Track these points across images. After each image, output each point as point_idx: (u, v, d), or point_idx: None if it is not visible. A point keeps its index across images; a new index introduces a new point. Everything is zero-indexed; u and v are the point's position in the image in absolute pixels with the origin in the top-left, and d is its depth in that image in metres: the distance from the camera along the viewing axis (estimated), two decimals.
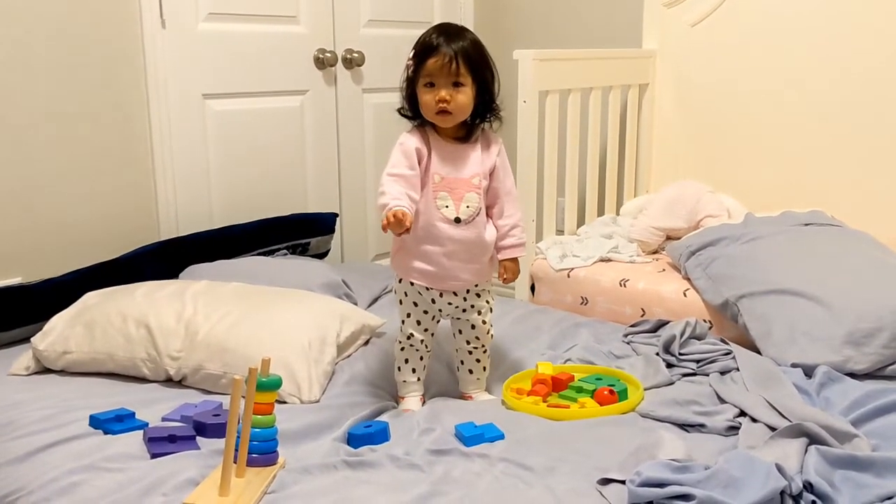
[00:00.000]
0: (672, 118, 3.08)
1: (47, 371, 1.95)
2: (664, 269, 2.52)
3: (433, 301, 1.82)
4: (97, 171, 2.49)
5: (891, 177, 2.64)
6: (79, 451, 1.54)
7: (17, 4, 2.28)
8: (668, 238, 2.71)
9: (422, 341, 1.84)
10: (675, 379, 1.92)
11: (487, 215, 1.81)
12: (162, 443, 1.54)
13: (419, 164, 1.74)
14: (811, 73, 2.75)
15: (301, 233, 2.81)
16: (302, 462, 1.51)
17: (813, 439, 1.50)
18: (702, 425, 1.66)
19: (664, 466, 1.38)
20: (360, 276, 2.61)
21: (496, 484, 1.44)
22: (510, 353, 2.09)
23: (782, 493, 1.32)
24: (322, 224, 2.88)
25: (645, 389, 1.83)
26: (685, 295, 2.34)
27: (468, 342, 1.86)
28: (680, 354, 2.00)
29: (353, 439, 1.61)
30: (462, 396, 1.90)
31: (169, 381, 1.89)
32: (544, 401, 1.80)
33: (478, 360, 1.88)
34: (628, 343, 2.16)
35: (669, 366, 1.97)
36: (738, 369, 1.91)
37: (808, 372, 1.88)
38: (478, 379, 1.90)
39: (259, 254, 2.66)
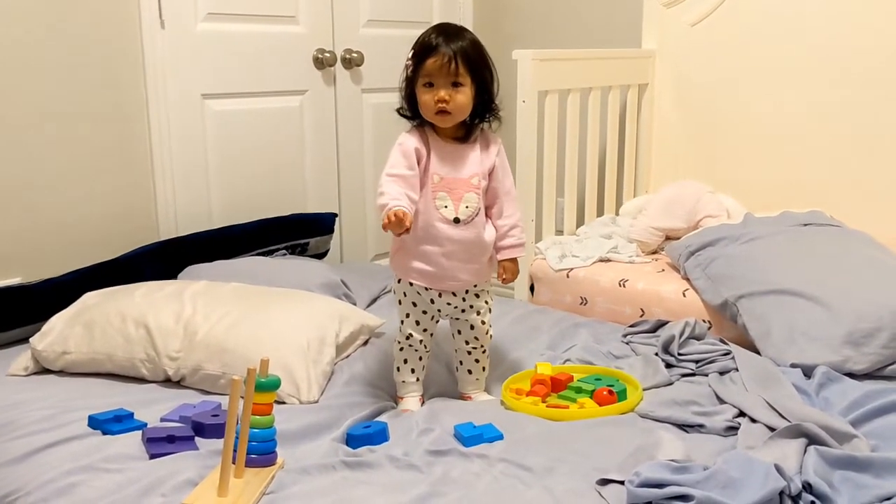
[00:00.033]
0: (671, 118, 3.08)
1: (46, 371, 1.95)
2: (663, 270, 2.52)
3: (432, 301, 1.82)
4: (96, 171, 2.49)
5: (890, 177, 2.64)
6: (77, 451, 1.54)
7: (17, 4, 2.28)
8: (668, 238, 2.71)
9: (421, 341, 1.84)
10: (675, 379, 1.92)
11: (486, 215, 1.81)
12: (160, 443, 1.54)
13: (418, 164, 1.73)
14: (811, 73, 2.75)
15: (300, 233, 2.81)
16: (301, 462, 1.51)
17: (812, 440, 1.50)
18: (701, 426, 1.66)
19: (663, 467, 1.38)
20: (360, 277, 2.61)
21: (495, 484, 1.44)
22: (509, 353, 2.09)
23: (781, 493, 1.32)
24: (321, 224, 2.88)
25: (644, 390, 1.83)
26: (684, 295, 2.34)
27: (467, 342, 1.86)
28: (679, 355, 2.00)
29: (352, 440, 1.61)
30: (461, 397, 1.90)
31: (168, 382, 1.89)
32: (543, 401, 1.80)
33: (477, 361, 1.88)
34: (627, 343, 2.16)
35: (668, 366, 1.97)
36: (737, 369, 1.91)
37: (808, 372, 1.88)
38: (477, 379, 1.89)
39: (258, 254, 2.66)
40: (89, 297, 2.06)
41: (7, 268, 2.33)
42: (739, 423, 1.65)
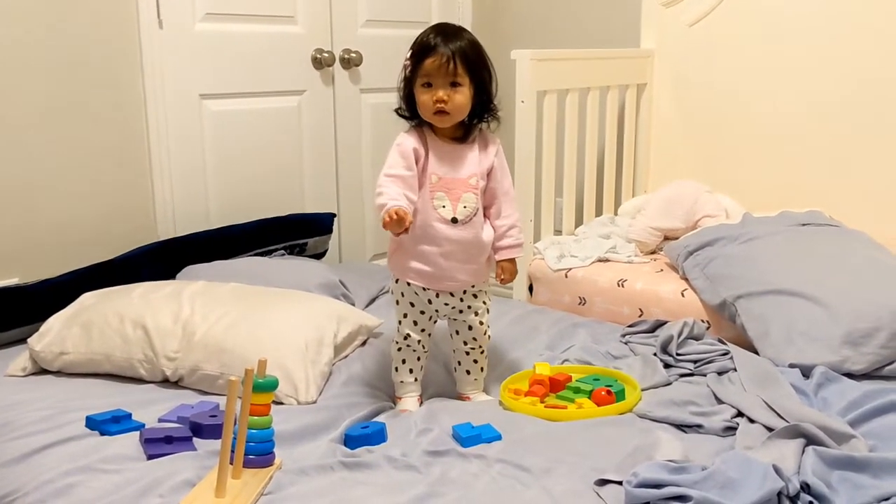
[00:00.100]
0: (670, 118, 3.08)
1: (44, 372, 1.95)
2: (662, 270, 2.52)
3: (430, 301, 1.82)
4: (94, 171, 2.49)
5: (889, 177, 2.65)
6: (75, 452, 1.54)
7: (16, 4, 2.27)
8: (666, 238, 2.71)
9: (419, 342, 1.84)
10: (673, 379, 1.92)
11: (485, 215, 1.81)
12: (158, 444, 1.53)
13: (416, 164, 1.73)
14: (810, 74, 2.75)
15: (298, 233, 2.81)
16: (298, 463, 1.51)
17: (810, 440, 1.50)
18: (699, 426, 1.66)
19: (661, 467, 1.38)
20: (358, 277, 2.61)
21: (493, 485, 1.44)
22: (508, 353, 2.09)
23: (779, 494, 1.32)
24: (319, 224, 2.88)
25: (642, 390, 1.83)
26: (683, 295, 2.33)
27: (465, 343, 1.86)
28: (677, 355, 2.00)
29: (350, 440, 1.61)
30: (459, 397, 1.90)
31: (166, 382, 1.89)
32: (542, 401, 1.80)
33: (475, 361, 1.88)
34: (626, 343, 2.16)
35: (667, 366, 1.97)
36: (735, 370, 1.91)
37: (806, 372, 1.88)
38: (475, 380, 1.89)
39: (256, 254, 2.66)
40: (87, 298, 2.06)
41: (5, 268, 2.33)
42: (738, 424, 1.65)
